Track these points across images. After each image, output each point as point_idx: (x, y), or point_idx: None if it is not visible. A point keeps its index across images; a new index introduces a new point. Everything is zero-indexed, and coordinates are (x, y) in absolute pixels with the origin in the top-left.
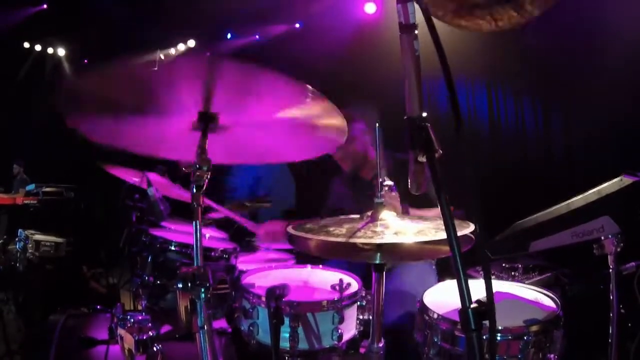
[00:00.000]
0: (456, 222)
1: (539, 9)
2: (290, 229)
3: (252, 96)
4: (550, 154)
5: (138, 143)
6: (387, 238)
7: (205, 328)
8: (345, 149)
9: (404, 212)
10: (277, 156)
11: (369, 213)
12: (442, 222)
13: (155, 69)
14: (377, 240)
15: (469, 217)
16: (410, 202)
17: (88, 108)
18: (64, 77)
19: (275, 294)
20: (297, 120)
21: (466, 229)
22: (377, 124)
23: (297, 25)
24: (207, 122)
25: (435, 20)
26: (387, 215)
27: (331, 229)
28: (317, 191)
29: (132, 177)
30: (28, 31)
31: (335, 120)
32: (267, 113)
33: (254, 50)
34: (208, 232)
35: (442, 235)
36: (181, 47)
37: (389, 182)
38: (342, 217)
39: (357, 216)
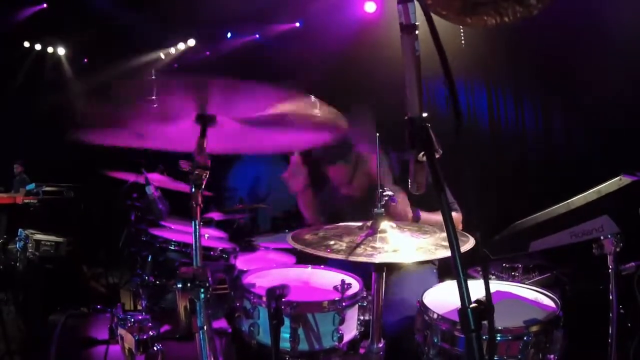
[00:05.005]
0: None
1: (543, 2)
2: (290, 239)
3: (240, 101)
4: (550, 154)
5: (140, 139)
6: (386, 257)
7: (205, 328)
8: (352, 184)
9: (414, 219)
10: (274, 147)
11: (369, 223)
12: (443, 236)
13: (153, 98)
14: (376, 260)
15: (468, 216)
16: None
17: (93, 124)
18: (65, 78)
19: (276, 294)
20: (290, 114)
21: (467, 244)
22: (377, 134)
23: (297, 25)
24: (205, 122)
25: (436, 19)
26: (387, 227)
27: (331, 242)
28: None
29: (132, 177)
30: (28, 30)
31: (326, 111)
32: (258, 111)
33: (254, 49)
34: (207, 232)
35: (442, 252)
36: (181, 46)
37: (388, 192)
38: (342, 224)
39: (359, 224)
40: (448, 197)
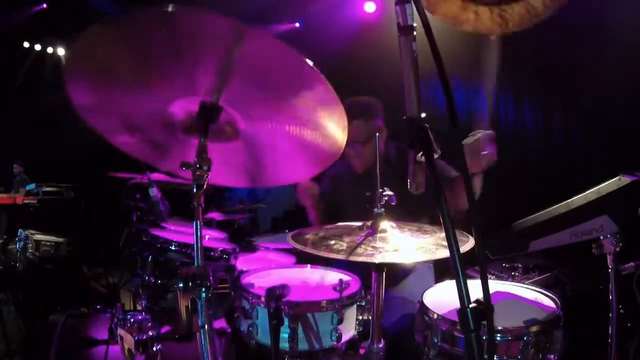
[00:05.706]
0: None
1: (549, 9)
2: (290, 239)
3: (269, 92)
4: (550, 154)
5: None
6: (387, 257)
7: (206, 328)
8: (362, 148)
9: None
10: (268, 178)
11: (369, 223)
12: (443, 236)
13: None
14: (377, 260)
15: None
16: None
17: (88, 74)
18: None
19: (275, 294)
20: (299, 137)
21: (466, 244)
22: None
23: (297, 25)
24: (209, 115)
25: (436, 20)
26: (387, 226)
27: (332, 242)
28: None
29: (134, 176)
30: (28, 30)
31: (339, 134)
32: (277, 120)
33: None
34: (208, 233)
35: (443, 252)
36: None
37: (388, 192)
38: (342, 224)
39: (358, 224)
40: (450, 170)
